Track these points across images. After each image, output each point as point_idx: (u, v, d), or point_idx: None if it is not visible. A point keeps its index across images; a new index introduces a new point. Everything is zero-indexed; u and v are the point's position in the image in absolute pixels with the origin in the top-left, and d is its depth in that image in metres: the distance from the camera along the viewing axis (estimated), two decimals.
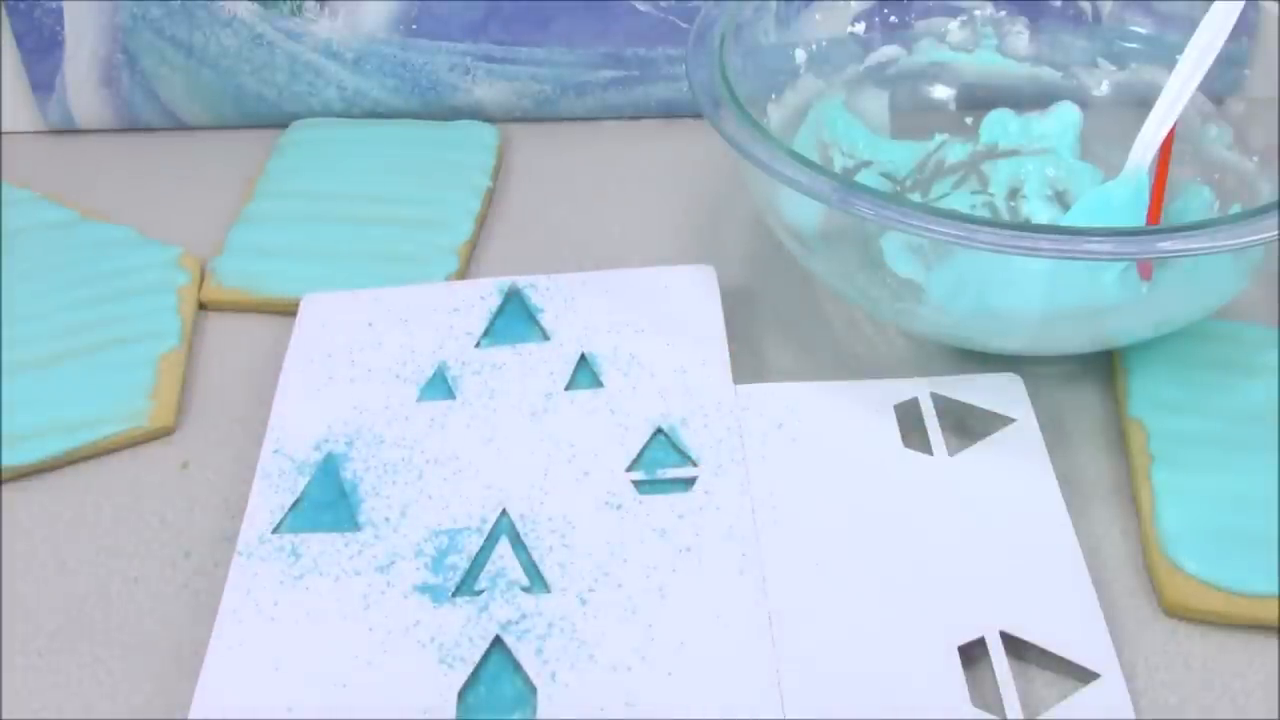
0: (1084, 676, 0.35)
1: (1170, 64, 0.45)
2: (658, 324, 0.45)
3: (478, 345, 0.45)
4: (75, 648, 0.38)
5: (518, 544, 0.38)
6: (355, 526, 0.39)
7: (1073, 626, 0.36)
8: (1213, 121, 0.50)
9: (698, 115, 0.44)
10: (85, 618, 0.39)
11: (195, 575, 0.40)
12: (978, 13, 0.54)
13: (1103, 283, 0.43)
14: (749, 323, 0.48)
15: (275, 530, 0.39)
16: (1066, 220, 0.47)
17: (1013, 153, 0.52)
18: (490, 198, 0.55)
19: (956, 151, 0.53)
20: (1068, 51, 0.54)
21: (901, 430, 0.41)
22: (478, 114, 0.59)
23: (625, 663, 0.35)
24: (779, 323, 0.48)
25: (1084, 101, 0.53)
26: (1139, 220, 0.45)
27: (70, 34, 0.58)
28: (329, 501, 0.40)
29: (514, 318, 0.47)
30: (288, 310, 0.48)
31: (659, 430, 0.42)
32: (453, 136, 0.58)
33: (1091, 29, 0.54)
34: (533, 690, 0.35)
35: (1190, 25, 0.45)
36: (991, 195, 0.51)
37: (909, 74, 0.54)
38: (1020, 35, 0.54)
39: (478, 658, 0.35)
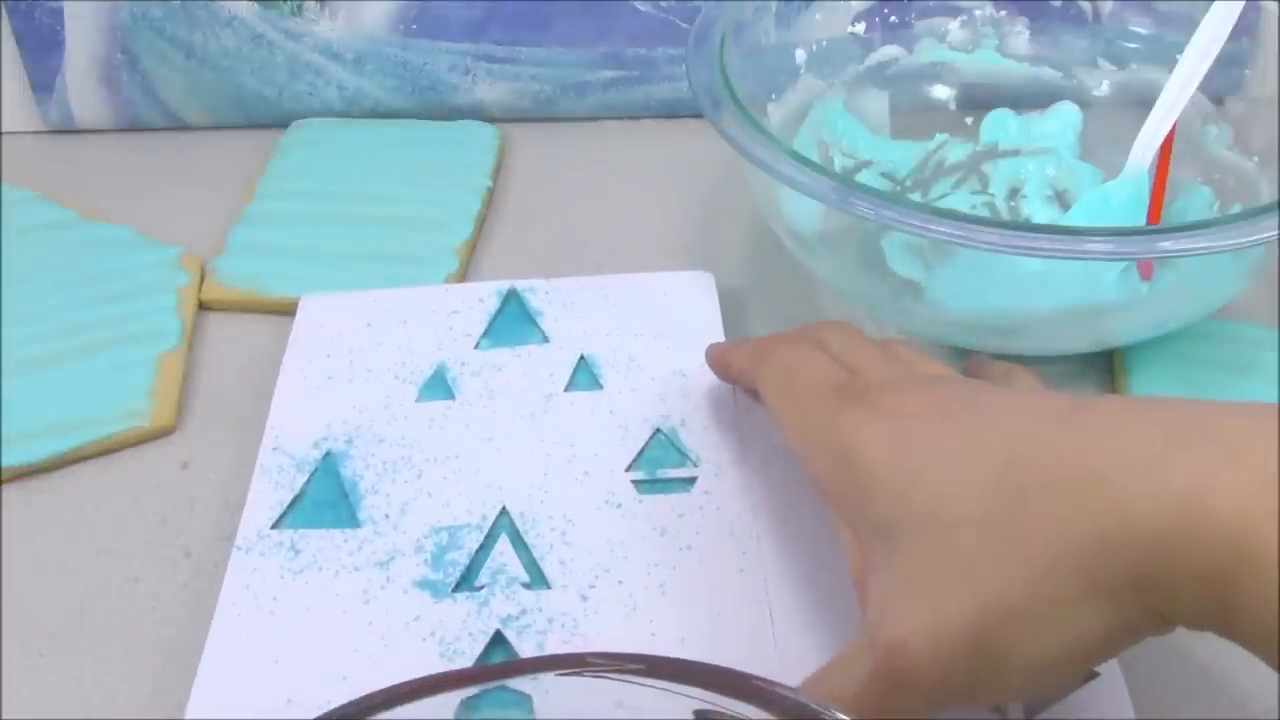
0: (1084, 676, 0.35)
1: (1170, 64, 0.45)
2: (657, 328, 0.45)
3: (477, 346, 0.45)
4: (75, 648, 0.38)
5: (518, 541, 0.38)
6: (355, 523, 0.39)
7: None
8: (1213, 121, 0.50)
9: (698, 115, 0.44)
10: (85, 617, 0.38)
11: (195, 575, 0.40)
12: (978, 13, 0.55)
13: (1103, 283, 0.43)
14: (749, 324, 0.48)
15: (274, 526, 0.39)
16: (1066, 220, 0.47)
17: (1013, 153, 0.52)
18: (490, 198, 0.55)
19: (956, 151, 0.53)
20: (1068, 51, 0.54)
21: None
22: (478, 114, 0.59)
23: None
24: (779, 323, 0.48)
25: (1084, 101, 0.53)
26: (1139, 220, 0.45)
27: (70, 34, 0.58)
28: (329, 499, 0.40)
29: (513, 320, 0.47)
30: (288, 310, 0.48)
31: (658, 431, 0.42)
32: (453, 137, 0.58)
33: (1091, 29, 0.54)
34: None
35: (1190, 25, 0.45)
36: (991, 195, 0.51)
37: (909, 74, 0.54)
38: (1020, 35, 0.54)
39: (478, 652, 0.35)
